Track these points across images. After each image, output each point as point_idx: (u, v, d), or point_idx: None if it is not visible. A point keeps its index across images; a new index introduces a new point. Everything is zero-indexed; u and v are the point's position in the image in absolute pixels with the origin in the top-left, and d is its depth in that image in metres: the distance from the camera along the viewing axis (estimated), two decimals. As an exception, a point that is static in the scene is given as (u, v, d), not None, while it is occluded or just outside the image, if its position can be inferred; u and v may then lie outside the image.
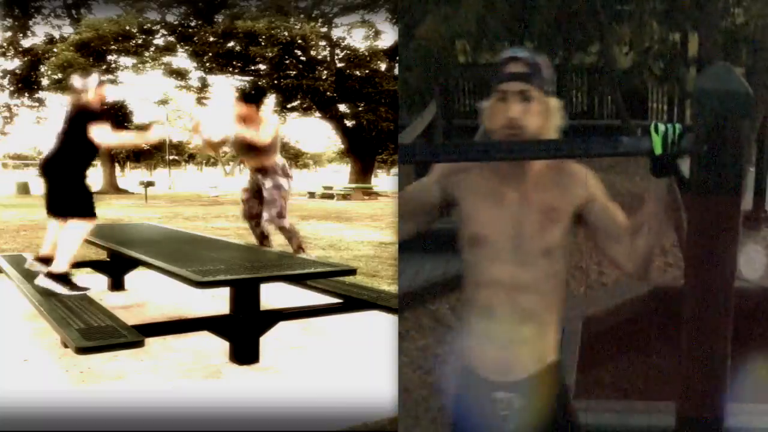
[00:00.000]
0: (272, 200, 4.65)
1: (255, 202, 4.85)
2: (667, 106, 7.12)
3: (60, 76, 23.88)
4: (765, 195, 5.45)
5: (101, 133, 3.94)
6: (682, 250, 1.69)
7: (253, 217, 4.90)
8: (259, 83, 26.51)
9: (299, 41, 24.87)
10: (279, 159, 4.83)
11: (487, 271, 1.66)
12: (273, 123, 4.80)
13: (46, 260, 4.13)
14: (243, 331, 3.44)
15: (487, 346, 1.66)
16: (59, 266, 3.86)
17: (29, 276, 4.11)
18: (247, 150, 4.75)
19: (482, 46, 5.71)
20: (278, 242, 5.23)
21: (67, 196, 4.00)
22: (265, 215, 4.64)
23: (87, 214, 3.99)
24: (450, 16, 5.14)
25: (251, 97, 4.86)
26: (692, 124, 1.55)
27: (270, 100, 27.59)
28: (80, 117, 3.96)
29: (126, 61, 26.11)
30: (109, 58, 25.24)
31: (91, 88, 4.08)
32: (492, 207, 1.66)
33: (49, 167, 4.05)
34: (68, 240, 3.91)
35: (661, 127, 1.49)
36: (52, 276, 3.83)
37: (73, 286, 3.85)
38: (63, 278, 3.84)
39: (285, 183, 4.72)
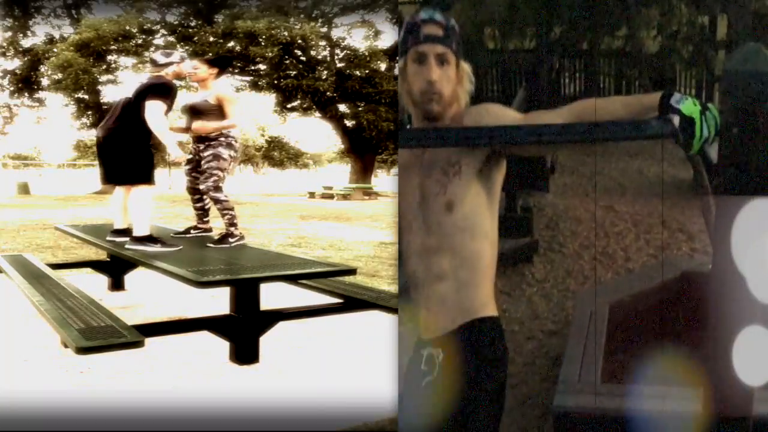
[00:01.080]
0: (209, 170, 4.35)
1: (198, 174, 4.50)
2: (695, 89, 7.08)
3: (60, 76, 23.84)
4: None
5: (151, 110, 3.88)
6: (710, 235, 1.66)
7: (195, 192, 4.60)
8: (259, 83, 26.47)
9: (299, 41, 24.78)
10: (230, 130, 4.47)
11: (406, 249, 1.74)
12: (233, 100, 4.49)
13: (122, 232, 4.30)
14: (243, 331, 3.44)
15: (418, 310, 1.73)
16: (140, 231, 3.99)
17: (29, 276, 4.12)
18: (196, 117, 4.42)
19: (512, 32, 5.71)
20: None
21: (127, 163, 4.03)
22: (202, 187, 4.38)
23: (145, 181, 4.03)
24: (480, 1, 5.13)
25: (218, 62, 4.55)
26: (721, 108, 1.52)
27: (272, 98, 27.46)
28: (149, 89, 3.93)
29: (126, 61, 26.05)
30: (109, 58, 25.17)
31: (172, 65, 4.11)
32: (405, 191, 1.74)
33: (110, 137, 4.06)
34: (138, 207, 4.02)
35: (705, 132, 1.47)
36: (137, 240, 3.97)
37: (163, 244, 3.98)
38: (148, 239, 3.97)
39: (225, 153, 4.38)
